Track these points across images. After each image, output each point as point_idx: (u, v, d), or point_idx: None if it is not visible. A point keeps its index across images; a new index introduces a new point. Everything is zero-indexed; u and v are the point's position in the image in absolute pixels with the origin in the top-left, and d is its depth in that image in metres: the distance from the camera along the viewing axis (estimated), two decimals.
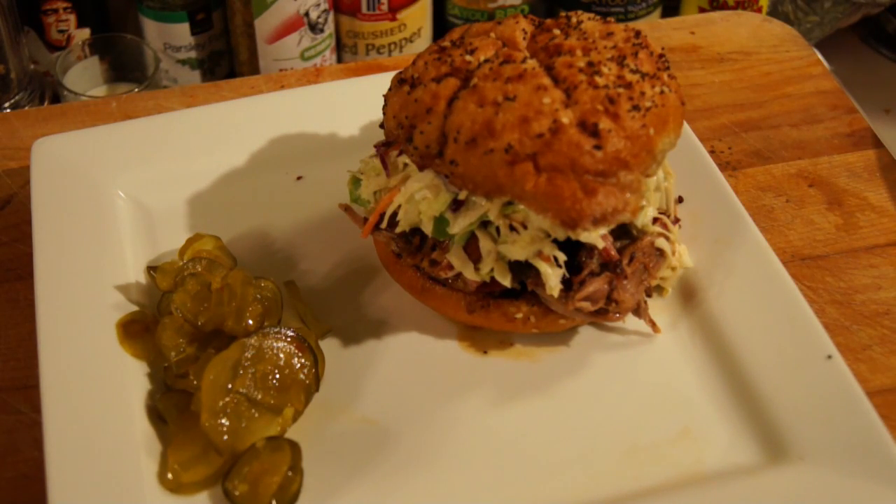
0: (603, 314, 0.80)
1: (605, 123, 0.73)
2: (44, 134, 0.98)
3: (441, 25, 1.37)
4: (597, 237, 0.77)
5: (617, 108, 0.73)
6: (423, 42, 1.36)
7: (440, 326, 0.86)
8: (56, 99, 1.26)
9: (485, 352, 0.85)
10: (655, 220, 0.84)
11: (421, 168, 0.79)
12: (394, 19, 1.30)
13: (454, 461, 0.77)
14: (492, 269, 0.79)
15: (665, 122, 0.76)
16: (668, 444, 0.78)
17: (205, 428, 0.74)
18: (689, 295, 0.88)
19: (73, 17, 1.28)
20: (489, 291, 0.82)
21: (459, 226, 0.78)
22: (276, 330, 0.79)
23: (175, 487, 0.74)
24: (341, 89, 1.04)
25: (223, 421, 0.74)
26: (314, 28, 1.26)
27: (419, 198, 0.80)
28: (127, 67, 1.27)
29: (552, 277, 0.78)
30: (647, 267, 0.83)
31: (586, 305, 0.79)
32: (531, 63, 0.76)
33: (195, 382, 0.78)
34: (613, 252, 0.79)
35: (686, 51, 1.17)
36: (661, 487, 0.75)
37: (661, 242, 0.83)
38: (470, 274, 0.80)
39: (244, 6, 1.24)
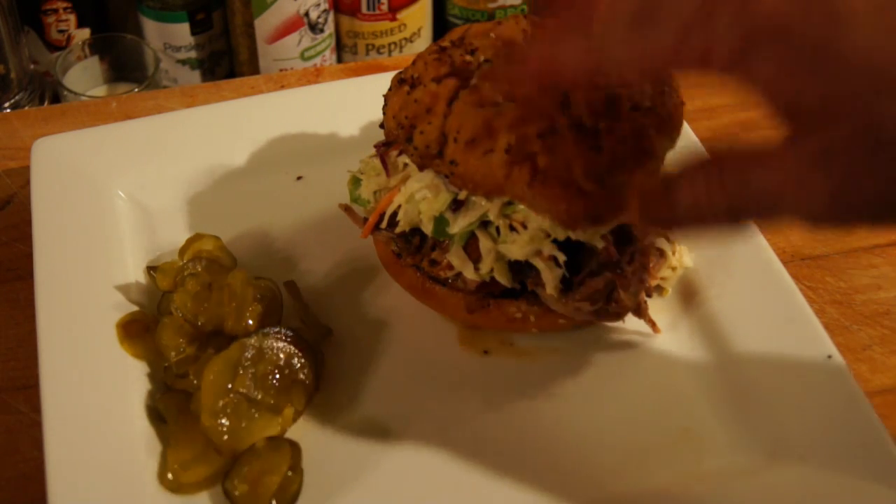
0: (603, 314, 0.80)
1: (604, 124, 0.73)
2: (44, 134, 0.98)
3: (441, 25, 1.37)
4: (597, 237, 0.77)
5: (616, 109, 0.73)
6: (423, 42, 1.36)
7: (440, 326, 0.86)
8: (56, 99, 1.26)
9: (485, 352, 0.85)
10: None
11: (421, 168, 0.79)
12: (394, 19, 1.30)
13: (454, 461, 0.77)
14: (492, 269, 0.79)
15: (665, 122, 0.76)
16: (668, 444, 0.78)
17: (205, 428, 0.74)
18: (689, 295, 0.88)
19: (73, 17, 1.28)
20: (489, 291, 0.82)
21: (459, 226, 0.78)
22: (276, 330, 0.79)
23: (175, 487, 0.74)
24: (341, 89, 1.04)
25: (223, 421, 0.74)
26: (314, 28, 1.26)
27: (419, 198, 0.80)
28: (127, 67, 1.27)
29: (552, 277, 0.78)
30: (647, 267, 0.83)
31: (586, 305, 0.79)
32: None
33: (195, 382, 0.78)
34: (613, 252, 0.79)
35: None
36: (661, 487, 0.75)
37: (661, 242, 0.83)
38: (470, 274, 0.80)
39: (244, 6, 1.24)
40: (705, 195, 0.56)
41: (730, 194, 0.56)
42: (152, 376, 0.81)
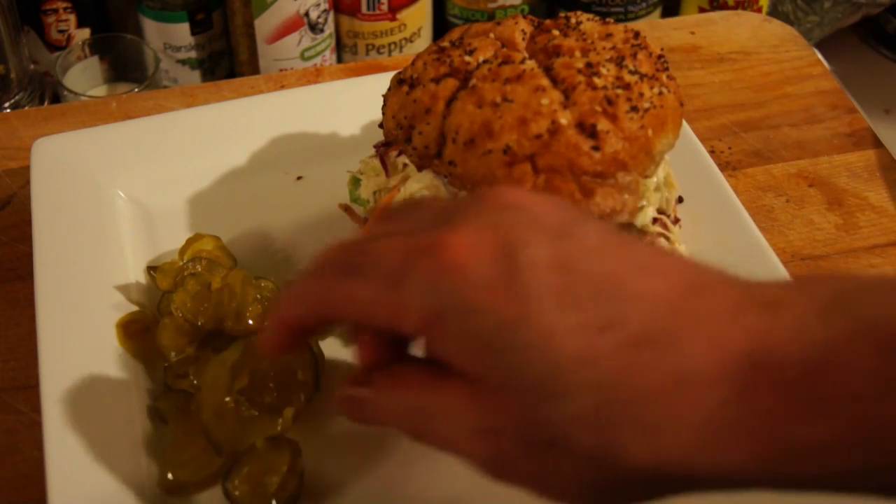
0: None
1: (603, 124, 0.73)
2: (44, 134, 0.98)
3: (441, 25, 1.37)
4: None
5: (615, 110, 0.73)
6: (423, 42, 1.36)
7: None
8: (56, 99, 1.26)
9: None
10: (655, 220, 0.84)
11: (419, 168, 0.79)
12: (394, 19, 1.30)
13: (454, 460, 0.77)
14: None
15: (663, 123, 0.76)
16: None
17: (205, 428, 0.74)
18: None
19: (73, 17, 1.28)
20: None
21: None
22: None
23: (175, 487, 0.74)
24: (341, 89, 1.04)
25: (223, 421, 0.74)
26: (314, 28, 1.26)
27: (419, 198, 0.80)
28: (127, 67, 1.27)
29: None
30: None
31: None
32: (530, 64, 0.76)
33: (195, 382, 0.78)
34: None
35: (686, 51, 1.17)
36: None
37: (661, 242, 0.83)
38: None
39: (244, 6, 1.24)
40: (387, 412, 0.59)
41: (409, 423, 0.57)
42: (152, 376, 0.81)
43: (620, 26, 0.82)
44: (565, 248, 0.52)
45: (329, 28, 1.29)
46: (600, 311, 0.50)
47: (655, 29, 1.19)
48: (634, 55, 0.78)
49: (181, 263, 0.86)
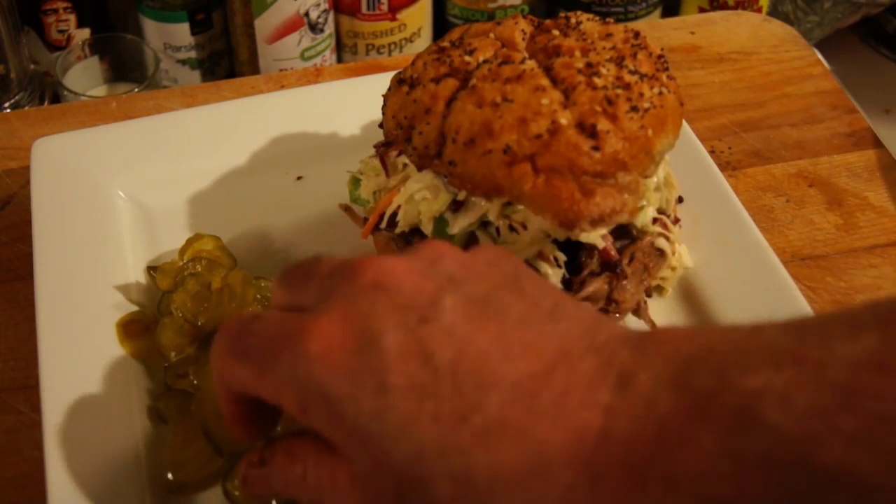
0: (603, 314, 0.80)
1: (603, 124, 0.73)
2: (44, 134, 0.98)
3: (441, 25, 1.37)
4: (597, 237, 0.77)
5: (615, 109, 0.73)
6: (423, 42, 1.36)
7: None
8: (56, 99, 1.26)
9: None
10: (655, 220, 0.84)
11: (419, 168, 0.79)
12: (394, 19, 1.30)
13: None
14: None
15: (663, 123, 0.76)
16: None
17: (205, 428, 0.74)
18: (689, 295, 0.88)
19: (73, 17, 1.28)
20: None
21: (459, 226, 0.78)
22: None
23: (175, 487, 0.74)
24: (341, 89, 1.04)
25: (223, 421, 0.74)
26: (314, 28, 1.26)
27: (419, 198, 0.80)
28: (127, 67, 1.27)
29: (552, 278, 0.78)
30: (647, 267, 0.83)
31: (586, 306, 0.79)
32: (530, 64, 0.76)
33: (195, 382, 0.78)
34: (613, 252, 0.79)
35: (686, 51, 1.17)
36: None
37: (661, 242, 0.83)
38: None
39: (244, 6, 1.24)
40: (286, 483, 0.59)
41: (304, 497, 0.58)
42: (152, 376, 0.81)
43: (620, 26, 0.82)
44: (425, 333, 0.52)
45: (329, 28, 1.29)
46: (458, 401, 0.50)
47: (655, 29, 1.20)
48: (634, 55, 0.78)
49: (181, 263, 0.86)
